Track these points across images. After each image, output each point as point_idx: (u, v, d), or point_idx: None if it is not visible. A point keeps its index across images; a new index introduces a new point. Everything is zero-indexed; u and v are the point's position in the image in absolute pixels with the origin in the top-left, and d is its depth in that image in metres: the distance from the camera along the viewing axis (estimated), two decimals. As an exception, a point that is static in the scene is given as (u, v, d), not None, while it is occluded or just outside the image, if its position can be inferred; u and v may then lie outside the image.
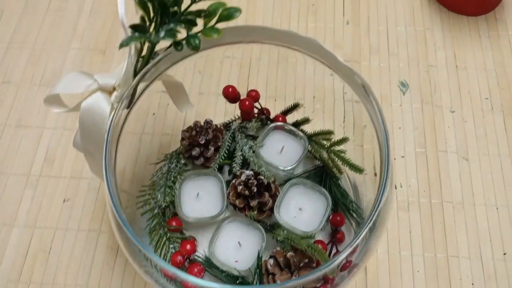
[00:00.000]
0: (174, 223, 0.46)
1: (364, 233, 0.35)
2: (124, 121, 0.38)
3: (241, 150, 0.49)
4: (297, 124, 0.52)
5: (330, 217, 0.48)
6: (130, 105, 0.38)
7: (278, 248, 0.45)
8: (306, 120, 0.52)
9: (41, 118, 0.61)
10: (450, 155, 0.58)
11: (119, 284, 0.52)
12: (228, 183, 0.49)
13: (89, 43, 0.67)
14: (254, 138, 0.52)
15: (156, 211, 0.46)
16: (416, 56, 0.65)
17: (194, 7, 0.34)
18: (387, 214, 0.40)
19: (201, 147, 0.49)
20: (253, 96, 0.51)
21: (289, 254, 0.43)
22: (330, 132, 0.50)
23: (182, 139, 0.50)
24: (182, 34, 0.35)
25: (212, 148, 0.50)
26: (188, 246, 0.45)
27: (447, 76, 0.64)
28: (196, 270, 0.44)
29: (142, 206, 0.46)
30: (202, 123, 0.51)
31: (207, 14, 0.33)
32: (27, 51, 0.66)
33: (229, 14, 0.33)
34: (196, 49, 0.33)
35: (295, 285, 0.35)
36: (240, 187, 0.46)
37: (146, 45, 0.37)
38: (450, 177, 0.57)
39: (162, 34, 0.32)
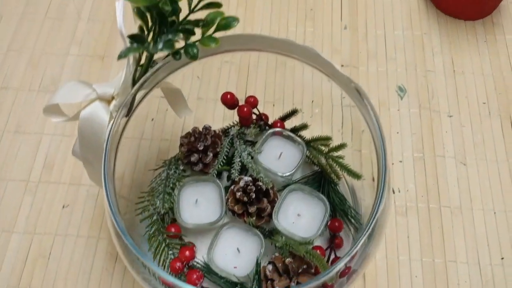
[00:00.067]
0: (173, 229, 0.47)
1: (363, 240, 0.35)
2: (122, 129, 0.38)
3: (240, 156, 0.49)
4: (295, 130, 0.52)
5: (329, 223, 0.48)
6: (128, 113, 0.38)
7: (277, 254, 0.45)
8: (304, 126, 0.52)
9: (40, 124, 0.61)
10: (448, 160, 0.59)
11: (118, 290, 0.52)
12: (226, 189, 0.49)
13: (88, 49, 0.67)
14: (252, 143, 0.52)
15: (155, 217, 0.46)
16: (413, 61, 0.66)
17: (192, 17, 0.35)
18: (385, 220, 0.40)
19: (199, 153, 0.50)
20: (251, 102, 0.51)
21: (288, 260, 0.44)
22: (328, 138, 0.50)
23: (181, 145, 0.51)
24: (180, 43, 0.35)
25: (211, 154, 0.50)
26: (187, 253, 0.45)
27: (444, 81, 0.64)
28: (195, 276, 0.44)
29: (141, 213, 0.46)
30: (200, 129, 0.51)
31: (205, 24, 0.34)
32: (25, 57, 0.66)
33: (227, 23, 0.33)
34: (194, 58, 0.33)
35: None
36: (238, 193, 0.47)
37: (145, 54, 0.37)
38: (448, 182, 0.57)
39: (160, 45, 0.32)
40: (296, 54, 0.41)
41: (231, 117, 0.55)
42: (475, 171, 0.58)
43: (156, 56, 0.38)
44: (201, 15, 0.34)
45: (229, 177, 0.50)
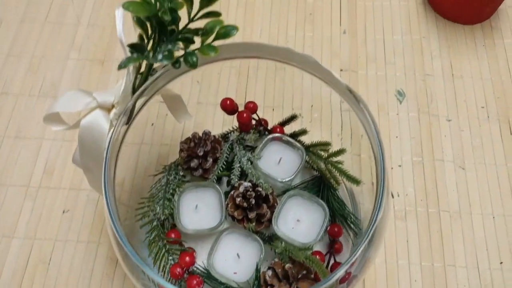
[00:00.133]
0: (173, 235, 0.47)
1: (362, 247, 0.35)
2: (123, 137, 0.39)
3: (239, 162, 0.50)
4: (294, 135, 0.53)
5: (328, 228, 0.49)
6: (129, 121, 0.39)
7: (277, 260, 0.45)
8: (303, 132, 0.52)
9: (40, 129, 0.61)
10: (447, 164, 0.59)
11: (119, 295, 0.52)
12: (226, 194, 0.49)
13: (87, 54, 0.67)
14: (252, 149, 0.52)
15: (155, 223, 0.46)
16: (412, 65, 0.66)
17: (191, 25, 0.35)
18: (384, 226, 0.40)
19: (199, 159, 0.50)
20: (251, 108, 0.52)
21: (288, 265, 0.44)
22: (327, 144, 0.50)
23: (181, 150, 0.51)
24: (180, 51, 0.36)
25: (211, 160, 0.50)
26: (187, 258, 0.45)
27: (443, 85, 0.64)
28: (195, 282, 0.44)
29: (141, 219, 0.47)
30: (200, 134, 0.51)
31: (204, 32, 0.34)
32: (25, 62, 0.66)
33: (226, 32, 0.33)
34: (194, 66, 0.34)
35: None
36: (238, 199, 0.47)
37: (144, 62, 0.37)
38: (447, 186, 0.57)
39: (160, 56, 0.32)
40: (295, 61, 0.42)
41: (231, 121, 0.56)
42: (473, 175, 0.58)
43: (156, 64, 0.39)
44: (200, 23, 0.35)
45: (229, 182, 0.50)
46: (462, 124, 0.61)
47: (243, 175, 0.50)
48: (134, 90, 0.38)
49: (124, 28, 0.38)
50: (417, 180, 0.58)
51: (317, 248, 0.48)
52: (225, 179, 0.51)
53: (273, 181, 0.49)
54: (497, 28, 0.69)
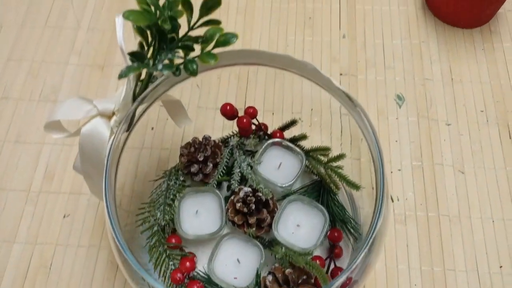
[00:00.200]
0: (173, 240, 0.47)
1: (363, 254, 0.35)
2: (123, 144, 0.39)
3: (240, 167, 0.50)
4: (294, 140, 0.53)
5: (328, 233, 0.49)
6: (129, 128, 0.39)
7: (277, 265, 0.45)
8: (303, 137, 0.52)
9: (40, 134, 0.61)
10: (446, 168, 0.59)
11: (119, 300, 0.52)
12: (226, 199, 0.49)
13: (87, 59, 0.67)
14: (252, 153, 0.53)
15: (155, 228, 0.47)
16: (412, 70, 0.66)
17: (191, 33, 0.35)
18: (384, 231, 0.41)
19: (199, 164, 0.50)
20: (251, 113, 0.52)
21: (288, 270, 0.44)
22: (327, 149, 0.50)
23: (181, 155, 0.51)
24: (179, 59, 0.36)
25: (211, 165, 0.50)
26: (188, 264, 0.45)
27: (442, 89, 0.64)
28: (195, 287, 0.44)
29: (142, 224, 0.47)
30: (200, 139, 0.51)
31: (204, 40, 0.34)
32: (25, 67, 0.66)
33: (226, 40, 0.34)
34: (194, 74, 0.34)
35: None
36: (238, 204, 0.47)
37: (145, 69, 0.37)
38: (447, 190, 0.58)
39: (160, 66, 0.32)
40: (295, 68, 0.42)
41: (231, 126, 0.56)
42: (473, 179, 0.58)
43: (156, 72, 0.39)
44: (200, 31, 0.35)
45: (229, 187, 0.51)
46: (461, 128, 0.62)
47: (243, 180, 0.50)
48: (134, 98, 0.38)
49: (124, 33, 0.38)
50: (416, 184, 0.58)
51: (317, 253, 0.48)
52: (225, 184, 0.52)
53: (273, 186, 0.49)
54: (496, 32, 0.69)
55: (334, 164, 0.49)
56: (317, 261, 0.46)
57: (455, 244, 0.55)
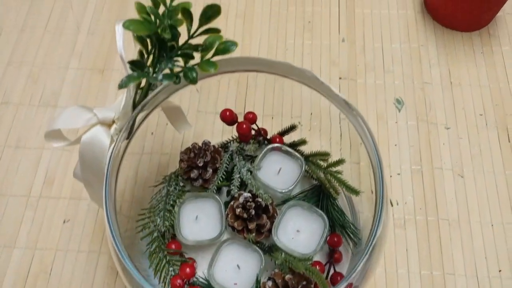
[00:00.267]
0: (173, 246, 0.47)
1: (363, 263, 0.35)
2: (123, 152, 0.39)
3: (239, 172, 0.50)
4: (294, 145, 0.53)
5: (328, 238, 0.49)
6: (129, 136, 0.39)
7: (277, 270, 0.45)
8: (303, 142, 0.52)
9: (40, 139, 0.61)
10: (446, 172, 0.59)
11: (120, 305, 0.52)
12: (226, 204, 0.49)
13: (87, 62, 0.67)
14: (252, 158, 0.53)
15: (155, 234, 0.47)
16: (411, 73, 0.66)
17: (191, 41, 0.35)
18: (384, 238, 0.41)
19: (199, 169, 0.50)
20: (250, 118, 0.52)
21: (288, 276, 0.44)
22: (326, 154, 0.50)
23: (181, 160, 0.51)
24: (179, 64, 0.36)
25: (211, 170, 0.50)
26: (188, 270, 0.45)
27: (441, 93, 0.65)
28: (195, 293, 0.44)
29: (142, 230, 0.47)
30: (200, 145, 0.52)
31: (204, 48, 0.34)
32: (25, 71, 0.66)
33: (225, 48, 0.34)
34: (193, 82, 0.34)
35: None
36: (238, 210, 0.47)
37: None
38: (446, 195, 0.58)
39: (160, 77, 0.33)
40: (294, 75, 0.42)
41: (230, 130, 0.56)
42: (472, 183, 0.58)
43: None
44: (200, 39, 0.35)
45: (228, 192, 0.51)
46: (461, 132, 0.62)
47: (243, 185, 0.50)
48: (134, 106, 0.38)
49: (124, 39, 0.38)
50: (416, 188, 0.58)
51: (316, 258, 0.48)
52: (225, 189, 0.52)
53: (273, 191, 0.50)
54: (495, 35, 0.69)
55: (334, 169, 0.50)
56: (317, 266, 0.46)
57: (454, 248, 0.55)
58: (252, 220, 0.47)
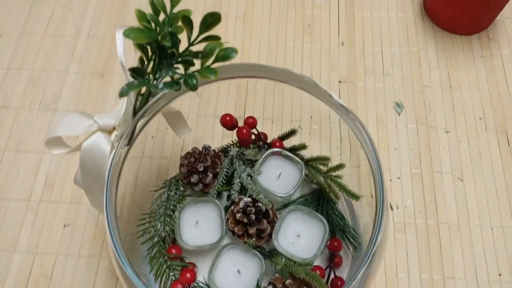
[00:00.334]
0: (174, 251, 0.47)
1: (363, 270, 0.35)
2: (124, 159, 0.39)
3: (239, 177, 0.50)
4: (294, 150, 0.53)
5: (328, 243, 0.49)
6: (130, 142, 0.39)
7: (277, 275, 0.45)
8: (303, 146, 0.52)
9: (40, 143, 0.61)
10: (445, 175, 0.59)
11: (120, 310, 0.52)
12: (226, 208, 0.49)
13: (87, 66, 0.67)
14: (252, 163, 0.53)
15: (156, 239, 0.47)
16: (410, 77, 0.66)
17: (191, 47, 0.35)
18: (384, 244, 0.41)
19: (199, 174, 0.50)
20: (250, 123, 0.52)
21: (288, 281, 0.44)
22: (326, 159, 0.50)
23: (181, 165, 0.51)
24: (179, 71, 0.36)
25: (211, 175, 0.50)
26: (188, 275, 0.45)
27: (441, 96, 0.65)
28: (196, 298, 0.44)
29: (142, 235, 0.47)
30: (200, 149, 0.52)
31: (204, 55, 0.34)
32: (25, 75, 0.67)
33: (225, 54, 0.34)
34: (194, 89, 0.34)
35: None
36: (238, 215, 0.47)
37: (145, 84, 0.37)
38: (446, 198, 0.58)
39: (160, 85, 0.33)
40: (294, 81, 0.42)
41: (230, 134, 0.56)
42: (472, 186, 0.59)
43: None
44: (200, 46, 0.35)
45: (229, 197, 0.51)
46: (460, 136, 0.62)
47: (243, 190, 0.50)
48: (135, 112, 0.39)
49: (124, 45, 0.38)
50: (416, 192, 0.58)
51: (317, 262, 0.48)
52: (225, 194, 0.52)
53: (273, 196, 0.50)
54: (494, 39, 0.69)
55: (334, 173, 0.50)
56: (317, 271, 0.46)
57: (454, 252, 0.55)
58: (252, 225, 0.47)
